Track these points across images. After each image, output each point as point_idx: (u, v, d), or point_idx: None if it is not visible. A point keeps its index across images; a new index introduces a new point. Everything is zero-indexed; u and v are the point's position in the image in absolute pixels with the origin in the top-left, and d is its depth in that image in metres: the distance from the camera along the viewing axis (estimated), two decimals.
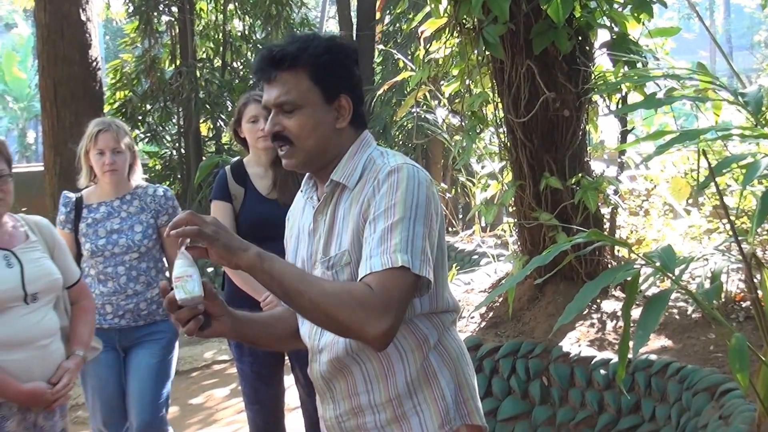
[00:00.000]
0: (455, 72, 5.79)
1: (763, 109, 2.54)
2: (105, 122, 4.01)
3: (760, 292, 2.57)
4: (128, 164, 4.03)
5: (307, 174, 2.15)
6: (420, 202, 1.89)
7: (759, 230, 4.81)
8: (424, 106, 6.80)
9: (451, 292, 2.11)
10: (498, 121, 5.50)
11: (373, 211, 1.89)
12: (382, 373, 1.98)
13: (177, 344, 4.15)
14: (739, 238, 2.66)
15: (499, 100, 5.39)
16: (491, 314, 5.31)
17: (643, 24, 5.05)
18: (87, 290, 3.44)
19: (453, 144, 6.28)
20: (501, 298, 5.28)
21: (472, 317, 5.34)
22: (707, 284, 3.02)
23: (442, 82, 6.11)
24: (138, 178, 4.13)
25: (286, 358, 4.13)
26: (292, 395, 4.39)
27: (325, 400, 2.11)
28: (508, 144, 5.41)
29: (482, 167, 6.39)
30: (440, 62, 5.75)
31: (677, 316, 4.66)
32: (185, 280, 1.81)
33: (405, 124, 11.70)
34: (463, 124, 5.84)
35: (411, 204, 1.87)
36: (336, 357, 2.01)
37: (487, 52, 5.17)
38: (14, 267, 2.99)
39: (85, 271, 3.94)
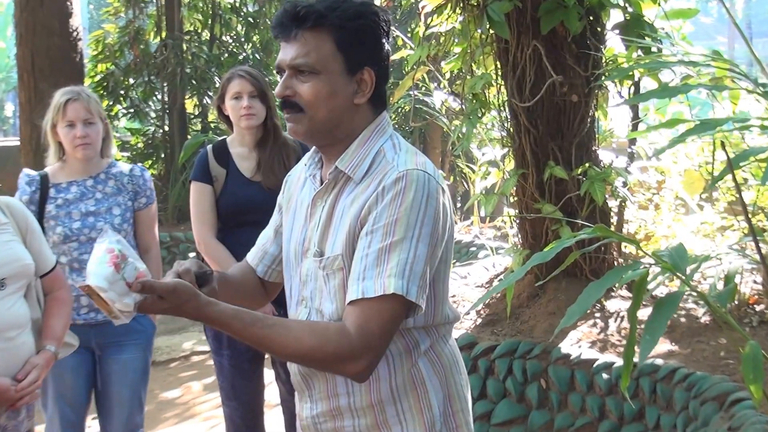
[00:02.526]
0: (457, 50, 5.72)
1: None
2: (74, 90, 3.76)
3: None
4: (101, 138, 3.79)
5: (314, 147, 2.06)
6: (426, 220, 1.81)
7: None
8: (423, 88, 6.74)
9: (451, 304, 2.05)
10: (501, 105, 5.44)
11: (372, 221, 1.81)
12: None
13: None
14: (756, 237, 2.60)
15: (502, 82, 5.33)
16: (488, 311, 5.26)
17: (659, 4, 4.98)
18: (63, 280, 3.29)
19: (452, 129, 6.21)
20: (499, 294, 5.24)
21: (468, 314, 5.29)
22: (720, 286, 2.97)
23: (442, 63, 6.04)
24: (111, 154, 3.91)
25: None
26: (272, 392, 4.35)
27: (302, 398, 2.07)
28: (511, 130, 5.35)
29: (483, 154, 6.33)
30: (441, 40, 5.68)
31: (685, 319, 4.62)
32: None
33: (402, 106, 11.64)
34: (463, 107, 5.77)
35: (415, 222, 1.79)
36: None
37: (491, 31, 5.10)
38: None
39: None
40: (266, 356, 4.08)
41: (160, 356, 7.32)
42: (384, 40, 1.92)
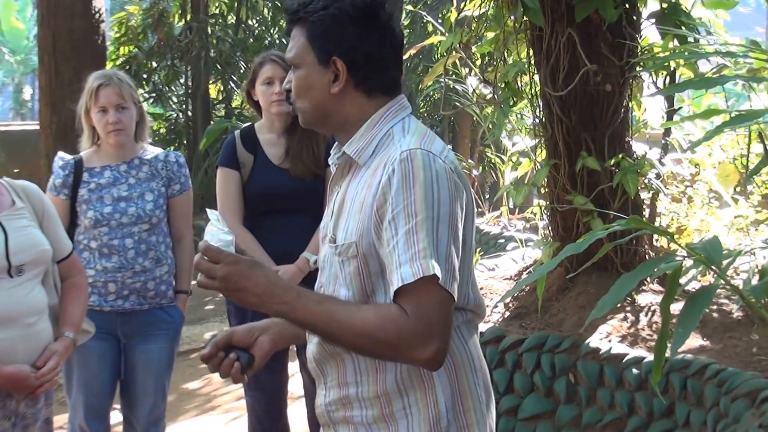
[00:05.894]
0: (489, 35, 5.74)
1: None
2: (106, 75, 3.81)
3: None
4: (135, 123, 3.82)
5: None
6: (442, 199, 1.84)
7: None
8: (454, 75, 6.76)
9: (477, 289, 2.05)
10: (533, 93, 5.45)
11: (390, 209, 1.84)
12: (373, 366, 1.96)
13: None
14: None
15: (535, 70, 5.34)
16: (516, 304, 5.29)
17: None
18: (80, 265, 3.32)
19: (483, 117, 6.24)
20: (528, 287, 5.26)
21: (496, 307, 5.32)
22: (754, 280, 2.99)
23: (474, 49, 6.06)
24: (146, 138, 3.94)
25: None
26: (295, 383, 4.38)
27: (319, 386, 2.11)
28: (543, 119, 5.37)
29: (513, 144, 6.35)
30: (473, 27, 5.70)
31: (717, 314, 4.63)
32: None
33: (432, 93, 11.65)
34: (494, 95, 5.79)
35: (432, 202, 1.82)
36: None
37: (525, 18, 5.12)
38: None
39: (83, 243, 3.75)
40: (291, 347, 4.14)
41: (181, 346, 7.31)
42: (353, 29, 1.95)
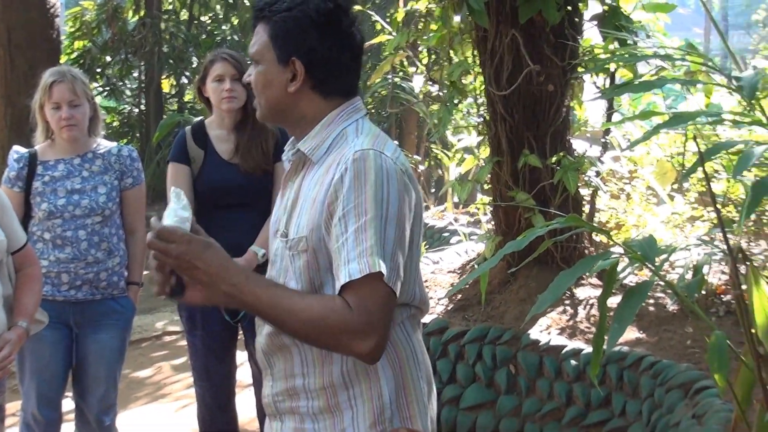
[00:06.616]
0: (435, 32, 5.72)
1: (758, 94, 2.50)
2: (60, 72, 3.78)
3: (744, 287, 2.55)
4: (88, 118, 3.81)
5: None
6: (392, 199, 1.84)
7: (745, 221, 4.82)
8: (401, 73, 6.74)
9: (423, 286, 2.06)
10: (478, 92, 5.45)
11: (342, 206, 1.84)
12: (320, 358, 1.95)
13: None
14: (725, 228, 2.63)
15: (480, 70, 5.34)
16: (459, 297, 5.29)
17: None
18: (34, 256, 3.28)
19: (429, 115, 6.22)
20: (471, 280, 5.26)
21: (440, 299, 5.31)
22: (689, 276, 3.00)
23: (420, 45, 6.04)
24: (99, 133, 3.93)
25: (240, 332, 4.08)
26: (243, 372, 4.35)
27: (266, 376, 2.10)
28: (488, 117, 5.36)
29: (459, 141, 6.34)
30: (420, 26, 5.68)
31: (654, 308, 4.67)
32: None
33: (379, 91, 11.63)
34: (440, 94, 5.78)
35: (382, 201, 1.83)
36: (275, 332, 1.98)
37: (470, 19, 5.11)
38: None
39: (37, 234, 3.73)
40: (239, 337, 4.09)
41: (133, 336, 7.23)
42: (314, 32, 1.95)
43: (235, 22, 13.34)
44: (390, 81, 6.25)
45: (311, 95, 1.98)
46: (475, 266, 5.48)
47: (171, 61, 12.35)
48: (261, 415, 4.08)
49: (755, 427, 2.31)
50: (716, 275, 4.73)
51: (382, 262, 1.78)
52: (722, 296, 4.58)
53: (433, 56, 5.96)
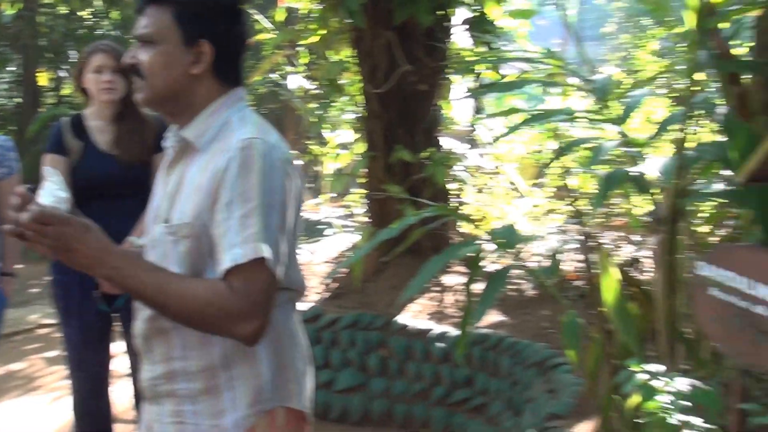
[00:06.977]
0: (314, 31, 5.73)
1: (609, 96, 2.63)
2: None
3: (595, 271, 2.68)
4: None
5: None
6: (275, 187, 1.83)
7: (596, 213, 5.02)
8: (280, 71, 6.71)
9: (299, 270, 2.05)
10: (355, 90, 5.49)
11: (227, 193, 1.81)
12: (200, 341, 1.91)
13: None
14: (578, 219, 2.76)
15: (357, 69, 5.38)
16: (334, 285, 5.32)
17: (501, 5, 5.15)
18: None
19: (306, 111, 6.23)
20: (346, 270, 5.30)
21: (315, 288, 5.33)
22: (546, 262, 3.13)
23: (299, 44, 6.04)
24: None
25: (116, 322, 3.99)
26: (120, 363, 4.25)
27: (144, 361, 2.05)
28: (364, 114, 5.41)
29: (336, 137, 6.37)
30: (298, 27, 5.68)
31: (515, 293, 4.82)
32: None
33: (257, 88, 11.53)
34: (318, 91, 5.80)
35: (267, 189, 1.81)
36: (155, 316, 1.94)
37: (347, 19, 5.14)
38: None
39: None
40: (116, 328, 3.99)
41: (5, 329, 6.97)
42: (221, 18, 1.94)
43: (116, 17, 12.96)
44: (269, 79, 6.22)
45: (210, 80, 1.94)
46: (350, 256, 5.53)
47: (48, 54, 11.93)
48: (138, 403, 4.01)
49: (602, 397, 2.44)
50: (569, 264, 4.91)
51: (267, 247, 1.78)
52: (574, 282, 4.77)
53: (314, 56, 5.95)
